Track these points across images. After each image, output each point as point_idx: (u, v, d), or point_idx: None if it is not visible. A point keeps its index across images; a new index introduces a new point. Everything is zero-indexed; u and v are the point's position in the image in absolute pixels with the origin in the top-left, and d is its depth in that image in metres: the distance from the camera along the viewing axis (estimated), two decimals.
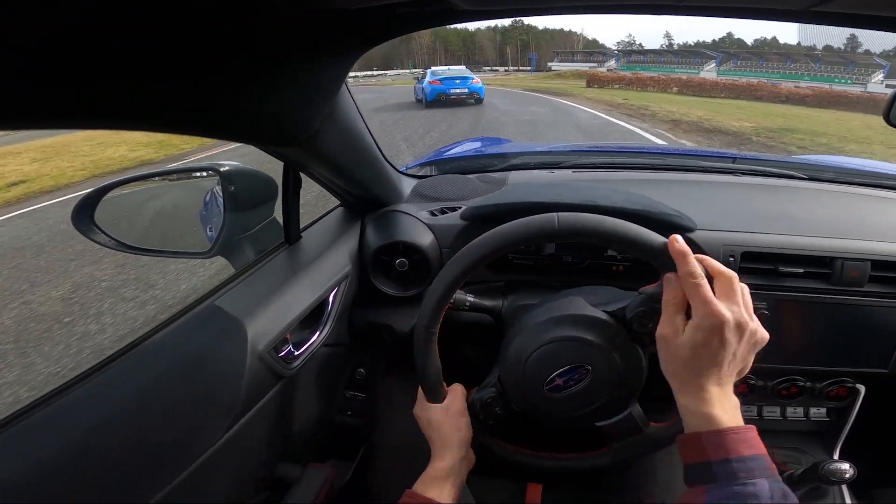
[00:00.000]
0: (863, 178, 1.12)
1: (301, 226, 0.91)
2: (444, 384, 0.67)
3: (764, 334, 0.50)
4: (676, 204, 0.85)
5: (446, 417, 0.65)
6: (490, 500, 0.89)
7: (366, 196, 0.92)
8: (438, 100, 12.90)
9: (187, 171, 1.04)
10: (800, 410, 0.96)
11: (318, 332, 0.77)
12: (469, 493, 0.71)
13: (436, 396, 0.66)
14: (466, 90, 13.19)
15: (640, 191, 0.95)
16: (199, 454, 0.55)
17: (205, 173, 0.91)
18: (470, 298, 0.72)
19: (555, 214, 0.55)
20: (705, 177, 1.10)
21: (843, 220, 0.89)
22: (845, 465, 0.77)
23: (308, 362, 0.74)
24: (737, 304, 0.49)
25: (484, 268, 0.88)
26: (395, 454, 1.05)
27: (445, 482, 0.60)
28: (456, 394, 0.67)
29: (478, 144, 1.70)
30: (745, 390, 0.91)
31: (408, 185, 1.05)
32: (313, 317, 0.77)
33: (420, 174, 1.15)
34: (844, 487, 0.91)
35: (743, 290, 0.50)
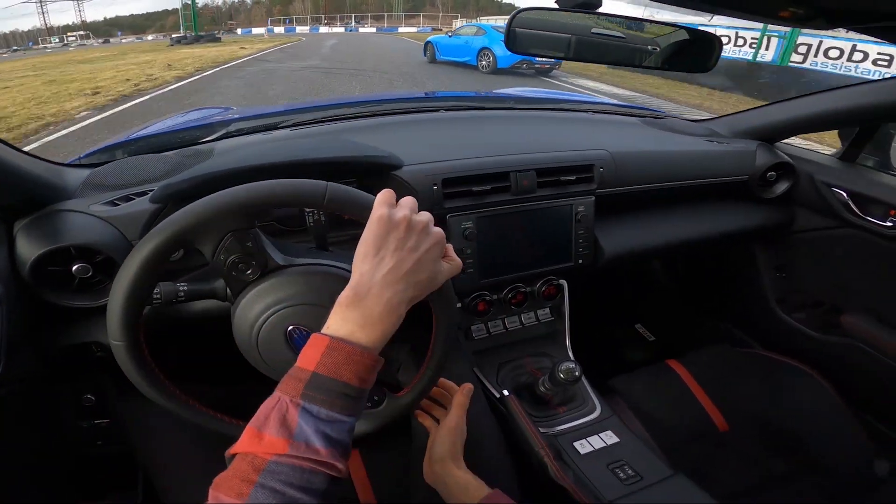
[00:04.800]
0: (531, 104, 1.38)
1: None
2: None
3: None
4: (389, 145, 0.88)
5: None
6: None
7: None
8: (517, 67, 9.54)
9: None
10: (532, 315, 1.11)
11: None
12: None
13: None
14: (553, 59, 9.80)
15: (357, 137, 0.95)
16: None
17: None
18: (183, 287, 0.62)
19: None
20: (415, 117, 1.18)
21: (515, 139, 1.07)
22: (572, 364, 0.87)
23: None
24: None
25: (200, 249, 0.78)
26: (181, 461, 0.91)
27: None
28: None
29: (186, 118, 1.46)
30: (485, 308, 1.03)
31: (77, 177, 0.83)
32: None
33: (98, 162, 0.91)
34: (586, 383, 0.99)
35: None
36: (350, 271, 0.48)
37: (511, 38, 0.70)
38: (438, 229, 0.49)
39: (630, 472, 0.84)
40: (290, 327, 0.57)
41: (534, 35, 0.78)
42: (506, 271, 1.00)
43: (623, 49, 0.89)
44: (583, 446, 0.89)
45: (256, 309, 0.57)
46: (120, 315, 0.52)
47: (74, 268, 0.70)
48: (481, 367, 1.03)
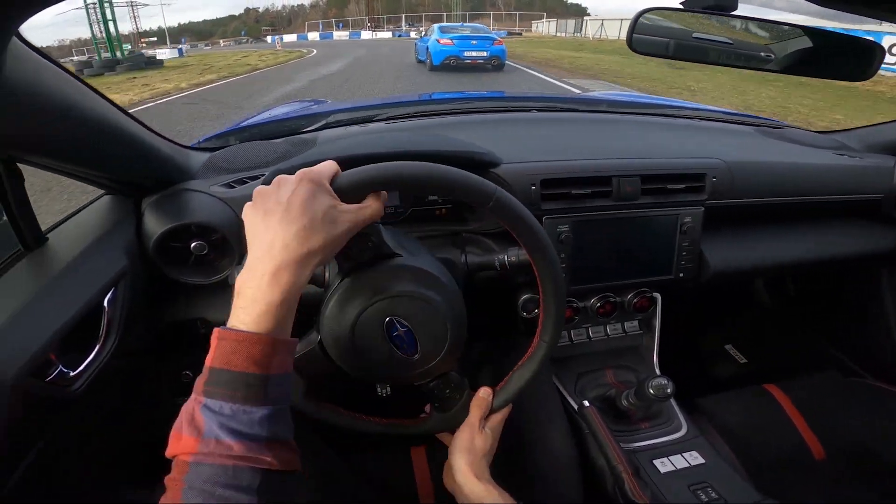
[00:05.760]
0: (629, 108, 1.32)
1: (54, 223, 0.74)
2: None
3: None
4: (484, 142, 0.88)
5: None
6: (376, 472, 0.86)
7: (128, 180, 0.76)
8: (448, 64, 10.37)
9: None
10: (619, 327, 1.06)
11: (99, 344, 0.65)
12: None
13: None
14: (486, 53, 10.41)
15: (452, 133, 0.96)
16: None
17: None
18: None
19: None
20: (508, 116, 1.17)
21: (617, 143, 1.02)
22: (664, 380, 0.83)
23: (100, 378, 0.63)
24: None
25: None
26: None
27: (290, 317, 0.44)
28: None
29: (288, 109, 1.56)
30: (570, 315, 1.00)
31: (199, 160, 0.91)
32: (87, 328, 0.64)
33: (215, 146, 1.00)
34: (672, 401, 0.96)
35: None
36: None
37: (630, 40, 0.67)
38: (311, 171, 0.46)
39: (713, 494, 0.79)
40: (388, 318, 0.57)
41: (644, 39, 0.75)
42: (598, 279, 0.96)
43: (731, 53, 0.83)
44: (664, 465, 0.85)
45: (359, 298, 0.57)
46: None
47: (193, 245, 0.75)
48: (559, 376, 1.01)
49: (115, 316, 0.67)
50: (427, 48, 11.14)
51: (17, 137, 0.52)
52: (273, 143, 0.97)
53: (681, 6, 0.63)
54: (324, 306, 0.59)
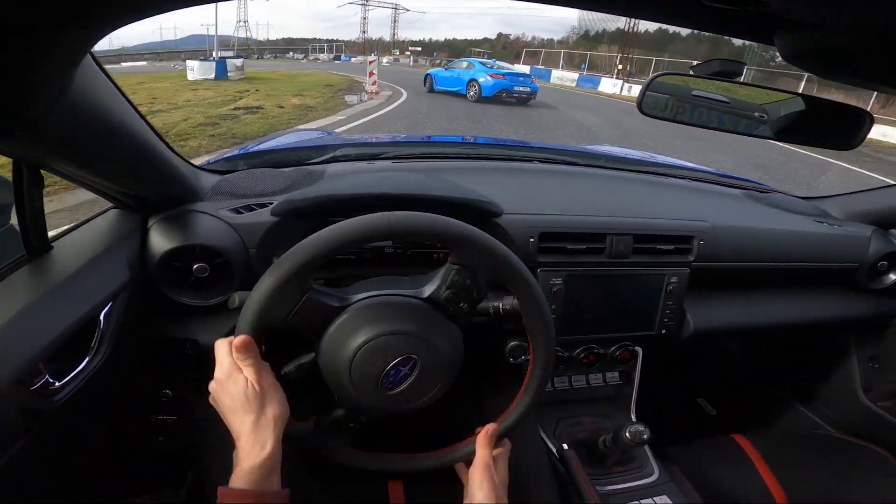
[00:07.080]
0: (625, 164, 1.37)
1: (60, 232, 0.73)
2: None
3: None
4: (486, 190, 0.91)
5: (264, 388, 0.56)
6: (351, 502, 0.83)
7: (142, 196, 0.76)
8: (498, 96, 11.54)
9: None
10: (599, 377, 1.11)
11: (88, 357, 0.64)
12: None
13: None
14: (529, 89, 11.94)
15: (455, 179, 0.99)
16: None
17: None
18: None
19: (386, 215, 0.54)
20: (510, 164, 1.20)
21: (612, 200, 1.05)
22: (641, 427, 0.88)
23: (83, 391, 0.62)
24: None
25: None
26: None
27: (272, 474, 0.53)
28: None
29: (297, 138, 1.58)
30: (558, 364, 1.02)
31: (208, 181, 0.91)
32: (80, 339, 0.63)
33: (224, 169, 1.00)
34: (646, 447, 1.01)
35: None
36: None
37: (641, 100, 0.71)
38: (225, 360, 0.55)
39: None
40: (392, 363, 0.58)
41: (657, 98, 0.78)
42: (584, 331, 0.98)
43: (727, 115, 0.87)
44: None
45: (347, 350, 0.58)
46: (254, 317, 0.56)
47: (196, 266, 0.74)
48: (540, 420, 1.02)
49: (108, 330, 0.66)
50: (474, 81, 12.08)
51: (57, 148, 0.52)
52: (283, 171, 0.98)
53: (691, 72, 0.68)
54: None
